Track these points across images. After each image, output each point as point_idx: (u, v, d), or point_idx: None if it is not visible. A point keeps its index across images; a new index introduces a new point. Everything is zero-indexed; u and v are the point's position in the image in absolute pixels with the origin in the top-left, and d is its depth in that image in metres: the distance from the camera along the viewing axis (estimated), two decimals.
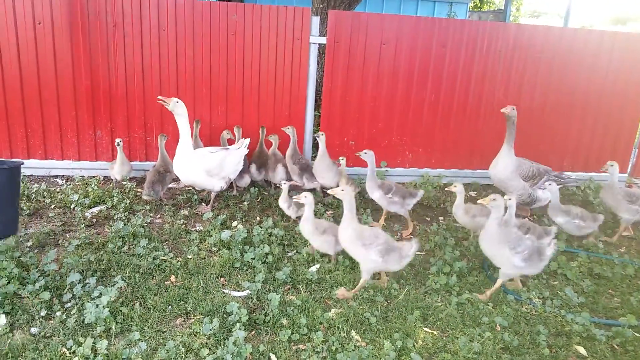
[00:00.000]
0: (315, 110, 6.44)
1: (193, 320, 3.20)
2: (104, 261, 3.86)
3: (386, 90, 6.17)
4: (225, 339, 3.00)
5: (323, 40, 5.90)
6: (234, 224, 4.80)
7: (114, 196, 5.13)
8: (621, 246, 4.94)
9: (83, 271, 3.67)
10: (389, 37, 6.00)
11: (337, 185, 5.03)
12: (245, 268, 3.92)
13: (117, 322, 3.09)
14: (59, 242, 4.25)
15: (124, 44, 5.57)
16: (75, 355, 2.81)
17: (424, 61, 6.15)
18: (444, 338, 3.21)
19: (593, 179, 6.74)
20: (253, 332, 3.14)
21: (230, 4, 5.65)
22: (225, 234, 4.25)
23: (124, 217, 4.71)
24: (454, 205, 4.48)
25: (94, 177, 5.73)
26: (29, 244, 4.16)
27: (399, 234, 4.90)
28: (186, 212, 4.98)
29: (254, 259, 3.97)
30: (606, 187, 4.99)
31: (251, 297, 3.49)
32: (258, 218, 5.00)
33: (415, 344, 3.11)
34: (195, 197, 5.34)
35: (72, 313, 3.17)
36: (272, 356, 2.94)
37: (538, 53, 6.34)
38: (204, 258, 4.06)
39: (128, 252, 4.07)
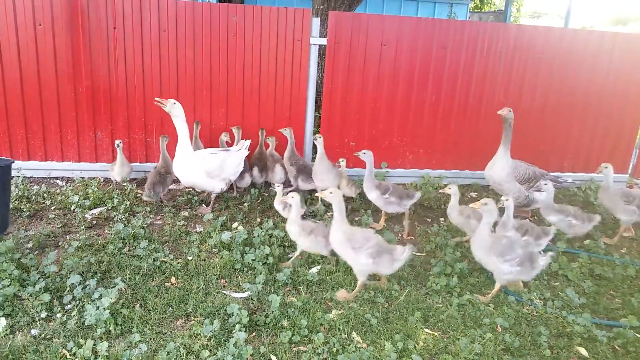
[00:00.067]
0: (315, 111, 6.45)
1: (194, 321, 3.19)
2: (104, 263, 3.86)
3: (387, 91, 6.17)
4: (225, 341, 2.99)
5: (323, 41, 5.91)
6: (235, 225, 4.80)
7: (114, 197, 5.13)
8: (622, 247, 4.94)
9: (83, 273, 3.67)
10: (390, 38, 6.00)
11: (338, 188, 5.03)
12: (245, 269, 3.92)
13: (117, 324, 3.09)
14: (59, 243, 4.25)
15: (124, 46, 5.57)
16: (76, 357, 2.80)
17: (425, 62, 6.15)
18: (445, 339, 3.21)
19: (594, 180, 6.74)
20: (254, 334, 3.14)
21: (230, 6, 5.65)
22: (226, 236, 4.25)
23: (124, 219, 4.71)
24: (448, 207, 4.49)
25: (94, 178, 5.72)
26: (29, 245, 4.15)
27: (399, 235, 4.89)
28: (186, 214, 4.97)
29: (254, 260, 3.97)
30: (602, 189, 4.99)
31: (252, 299, 3.48)
32: (258, 219, 5.00)
33: (416, 345, 3.10)
34: (196, 198, 5.34)
35: (72, 315, 3.17)
36: (273, 358, 2.93)
37: (539, 54, 6.34)
38: (205, 259, 4.05)
39: (128, 253, 4.06)
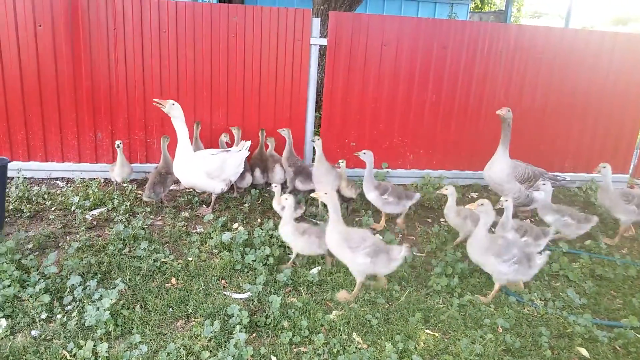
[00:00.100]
0: (316, 111, 6.44)
1: (194, 322, 3.19)
2: (105, 263, 3.85)
3: (387, 91, 6.17)
4: (226, 342, 2.99)
5: (324, 41, 5.90)
6: (235, 225, 4.79)
7: (114, 198, 5.13)
8: (623, 247, 4.93)
9: (83, 274, 3.67)
10: (390, 39, 5.99)
11: (338, 189, 5.03)
12: (246, 270, 3.91)
13: (117, 325, 3.09)
14: (60, 244, 4.25)
15: (125, 46, 5.57)
16: (76, 358, 2.80)
17: (425, 62, 6.15)
18: (446, 340, 3.20)
19: (595, 180, 6.73)
20: (254, 335, 3.14)
21: (230, 6, 5.65)
22: (226, 236, 4.24)
23: (124, 220, 4.71)
24: (445, 207, 4.49)
25: (94, 179, 5.72)
26: (30, 246, 4.15)
27: (400, 236, 4.89)
28: (187, 214, 4.97)
29: (255, 261, 3.97)
30: (602, 189, 4.98)
31: (252, 299, 3.48)
32: (259, 220, 4.99)
33: (416, 345, 3.10)
34: (196, 199, 5.34)
35: (72, 316, 3.16)
36: (273, 358, 2.93)
37: (539, 54, 6.33)
38: (205, 260, 4.05)
39: (128, 254, 4.06)
